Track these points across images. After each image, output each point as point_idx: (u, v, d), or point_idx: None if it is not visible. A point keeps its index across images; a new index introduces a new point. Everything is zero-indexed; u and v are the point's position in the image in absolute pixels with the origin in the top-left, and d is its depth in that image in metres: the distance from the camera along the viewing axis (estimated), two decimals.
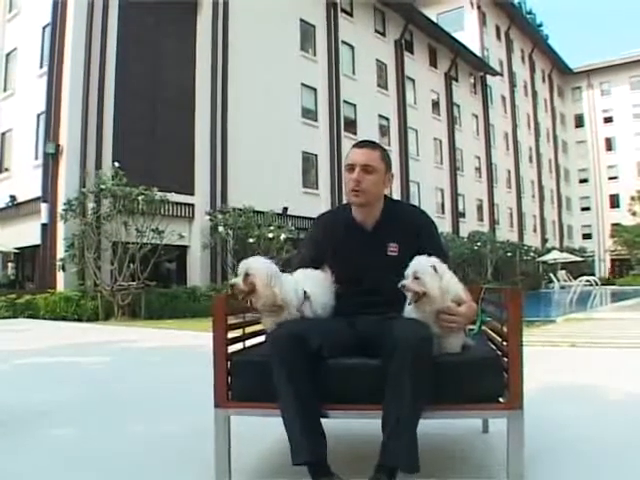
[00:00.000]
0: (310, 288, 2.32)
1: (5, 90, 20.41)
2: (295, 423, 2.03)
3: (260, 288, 2.19)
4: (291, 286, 2.27)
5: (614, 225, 49.40)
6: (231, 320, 2.31)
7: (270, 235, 18.26)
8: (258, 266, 2.23)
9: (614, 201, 53.36)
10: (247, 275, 2.21)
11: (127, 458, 2.65)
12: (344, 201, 2.54)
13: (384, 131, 29.22)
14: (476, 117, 38.47)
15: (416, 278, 2.10)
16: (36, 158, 17.99)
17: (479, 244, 30.53)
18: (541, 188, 47.13)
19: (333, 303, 2.41)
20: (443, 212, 33.21)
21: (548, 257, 35.87)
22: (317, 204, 22.56)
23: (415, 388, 1.97)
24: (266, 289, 2.20)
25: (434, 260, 2.15)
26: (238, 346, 2.37)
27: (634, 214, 45.57)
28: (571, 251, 42.63)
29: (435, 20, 35.03)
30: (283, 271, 2.33)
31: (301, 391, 2.04)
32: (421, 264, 2.13)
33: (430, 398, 2.03)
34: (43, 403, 3.93)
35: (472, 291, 2.36)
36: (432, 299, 2.10)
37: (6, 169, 19.79)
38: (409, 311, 2.19)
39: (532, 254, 36.67)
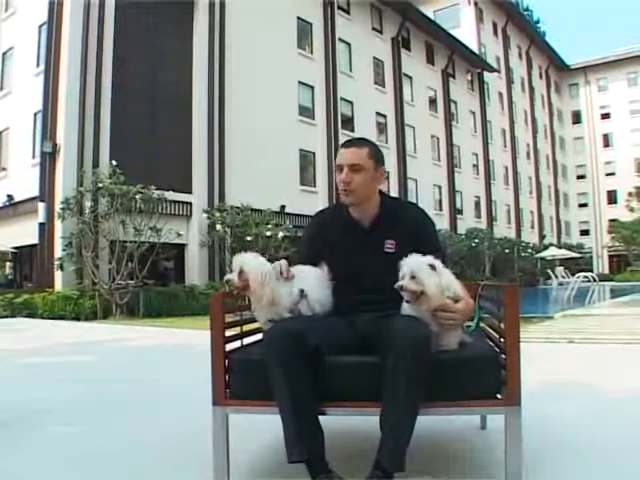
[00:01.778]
0: (307, 286, 2.32)
1: (2, 89, 20.37)
2: (291, 421, 2.03)
3: (253, 286, 2.19)
4: (284, 285, 2.27)
5: (612, 221, 49.48)
6: (229, 318, 2.31)
7: (268, 233, 18.27)
8: (252, 264, 2.23)
9: (611, 197, 53.47)
10: (242, 272, 2.21)
11: (126, 457, 2.65)
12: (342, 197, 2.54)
13: (381, 128, 29.22)
14: (473, 114, 38.48)
15: (412, 277, 2.09)
16: (33, 157, 17.97)
17: (477, 241, 30.56)
18: (539, 184, 47.19)
19: (331, 301, 2.41)
20: (441, 209, 33.23)
21: (546, 253, 35.92)
22: (315, 202, 22.56)
23: (412, 387, 1.97)
24: (259, 287, 2.20)
25: (430, 258, 2.14)
26: (236, 344, 2.37)
27: (631, 210, 45.67)
28: (569, 247, 42.72)
29: (432, 17, 35.04)
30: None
31: (297, 390, 2.04)
32: (417, 263, 2.12)
33: (427, 396, 2.03)
34: (42, 402, 3.93)
35: (469, 288, 2.36)
36: (430, 297, 2.09)
37: (3, 168, 19.74)
38: (407, 308, 2.19)
39: (530, 250, 36.72)
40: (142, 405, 3.87)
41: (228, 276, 2.24)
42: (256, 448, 2.67)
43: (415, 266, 2.10)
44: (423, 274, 2.09)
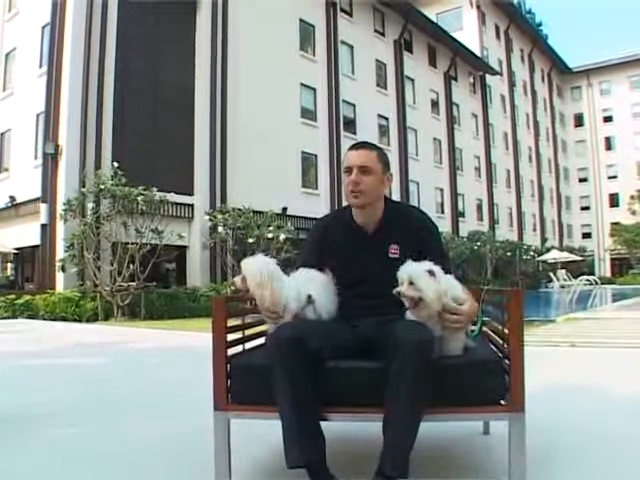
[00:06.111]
0: (314, 292, 2.30)
1: (4, 90, 20.39)
2: (292, 425, 2.02)
3: (251, 288, 2.17)
4: (291, 288, 2.25)
5: (614, 224, 49.43)
6: (231, 322, 2.29)
7: (269, 235, 18.25)
8: (252, 265, 2.20)
9: (613, 200, 53.41)
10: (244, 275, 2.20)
11: (126, 458, 2.65)
12: (344, 201, 2.53)
13: (383, 131, 29.22)
14: (475, 117, 38.49)
15: (411, 283, 2.08)
16: (35, 158, 17.98)
17: (479, 244, 30.55)
18: (540, 187, 47.17)
19: (336, 307, 2.40)
20: (443, 212, 33.21)
21: (548, 256, 35.87)
22: (317, 204, 22.58)
23: (415, 391, 1.96)
24: (257, 289, 2.17)
25: (429, 264, 2.12)
26: (238, 348, 2.36)
27: (633, 213, 45.61)
28: (571, 250, 42.62)
29: (434, 20, 35.08)
30: (284, 272, 2.31)
31: (300, 394, 2.03)
32: (415, 269, 2.10)
33: (430, 401, 2.02)
34: (42, 404, 3.92)
35: (472, 293, 2.35)
36: (428, 304, 2.08)
37: (5, 169, 19.76)
38: (410, 315, 2.17)
39: (532, 253, 36.68)
40: (142, 407, 3.86)
41: (234, 279, 2.23)
42: (256, 453, 2.64)
43: (413, 272, 2.09)
44: (421, 280, 2.08)
